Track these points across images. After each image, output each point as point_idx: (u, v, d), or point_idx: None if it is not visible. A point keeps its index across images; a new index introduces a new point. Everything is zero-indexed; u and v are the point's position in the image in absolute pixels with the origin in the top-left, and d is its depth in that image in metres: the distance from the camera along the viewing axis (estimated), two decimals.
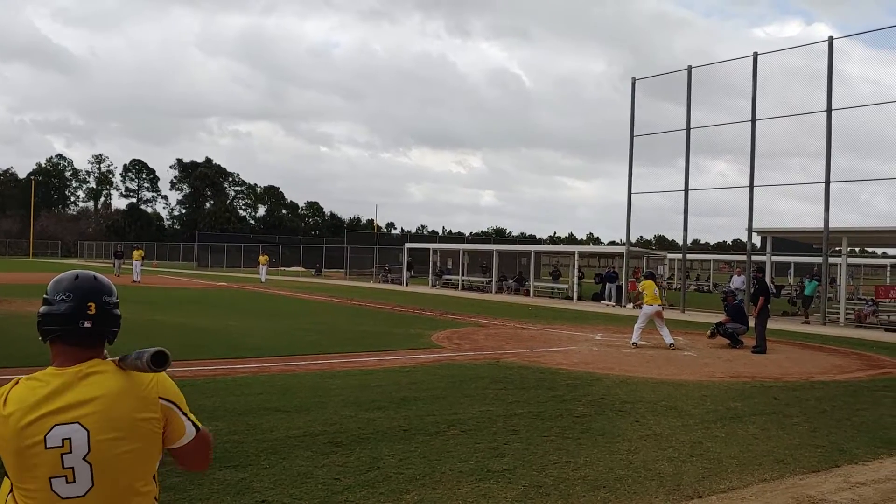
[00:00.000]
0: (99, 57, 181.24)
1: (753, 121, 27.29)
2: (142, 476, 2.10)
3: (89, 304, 2.12)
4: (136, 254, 39.21)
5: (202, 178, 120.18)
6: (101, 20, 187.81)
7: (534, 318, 23.45)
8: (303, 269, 62.79)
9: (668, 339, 15.98)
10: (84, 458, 1.98)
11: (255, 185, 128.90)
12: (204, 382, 9.91)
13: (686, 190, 29.51)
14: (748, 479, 6.42)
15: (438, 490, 5.75)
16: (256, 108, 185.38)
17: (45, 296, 2.16)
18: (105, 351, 2.18)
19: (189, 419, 2.19)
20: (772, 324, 18.31)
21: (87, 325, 2.11)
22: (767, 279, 21.30)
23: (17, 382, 2.06)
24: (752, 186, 27.27)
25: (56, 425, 1.96)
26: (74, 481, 1.98)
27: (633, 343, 16.00)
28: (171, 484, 5.51)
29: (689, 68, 29.62)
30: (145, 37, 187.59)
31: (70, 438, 1.97)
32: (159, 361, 2.00)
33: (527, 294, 36.85)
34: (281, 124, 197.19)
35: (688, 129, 29.59)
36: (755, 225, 27.28)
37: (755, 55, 27.30)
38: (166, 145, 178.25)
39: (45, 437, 1.96)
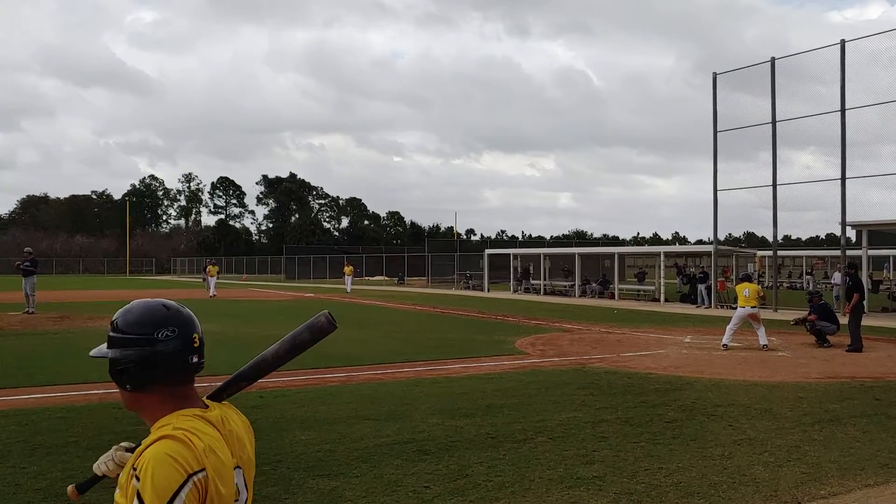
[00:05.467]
0: (172, 78, 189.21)
1: (843, 110, 26.27)
2: None
3: (193, 335, 1.88)
4: (211, 269, 39.83)
5: (287, 192, 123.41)
6: (173, 42, 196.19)
7: (619, 321, 23.13)
8: (386, 278, 63.70)
9: (762, 340, 15.53)
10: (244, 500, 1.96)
11: (338, 197, 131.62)
12: (295, 392, 10.16)
13: (774, 185, 28.62)
14: (850, 484, 6.18)
15: (528, 498, 5.75)
16: (327, 121, 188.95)
17: (131, 334, 1.83)
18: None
19: None
20: (870, 321, 17.61)
21: (195, 360, 1.88)
22: (864, 275, 20.45)
23: (174, 435, 1.73)
24: (843, 178, 26.22)
25: (234, 468, 1.84)
26: None
27: (724, 345, 15.60)
28: (267, 493, 5.68)
29: (773, 60, 28.75)
30: (216, 56, 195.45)
31: (238, 482, 1.85)
32: (333, 319, 1.95)
33: (611, 297, 36.36)
34: (353, 136, 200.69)
35: (773, 122, 28.70)
36: (848, 218, 26.23)
37: (842, 42, 26.31)
38: (244, 160, 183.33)
39: (235, 483, 1.83)
